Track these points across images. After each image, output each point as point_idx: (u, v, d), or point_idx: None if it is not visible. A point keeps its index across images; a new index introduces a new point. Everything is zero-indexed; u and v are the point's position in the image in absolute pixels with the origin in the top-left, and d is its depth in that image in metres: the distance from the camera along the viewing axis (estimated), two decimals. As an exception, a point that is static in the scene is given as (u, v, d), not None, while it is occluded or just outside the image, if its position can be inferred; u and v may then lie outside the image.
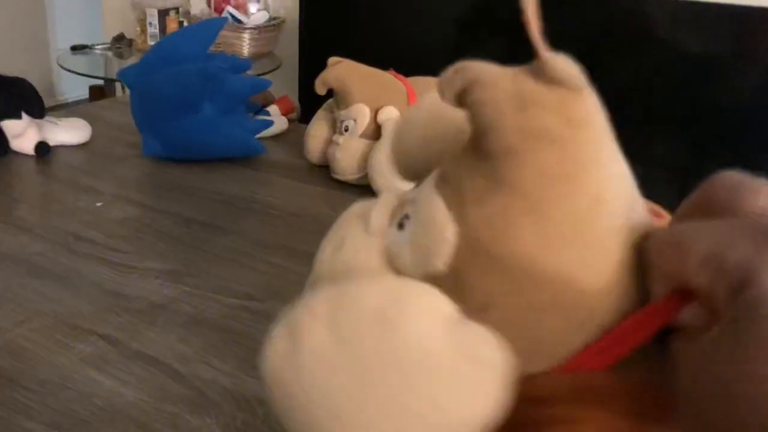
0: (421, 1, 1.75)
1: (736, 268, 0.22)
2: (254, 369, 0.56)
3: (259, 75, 2.08)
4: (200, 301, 0.65)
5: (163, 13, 2.12)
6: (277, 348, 0.26)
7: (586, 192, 0.25)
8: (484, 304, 0.26)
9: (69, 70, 2.02)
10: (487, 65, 0.27)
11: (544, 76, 0.25)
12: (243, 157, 1.02)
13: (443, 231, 0.27)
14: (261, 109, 1.16)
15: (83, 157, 0.99)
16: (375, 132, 0.91)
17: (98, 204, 0.84)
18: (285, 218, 0.85)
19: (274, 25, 2.18)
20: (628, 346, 0.25)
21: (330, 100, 0.99)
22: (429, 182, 0.30)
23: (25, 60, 3.10)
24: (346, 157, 0.93)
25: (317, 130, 0.99)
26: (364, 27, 1.88)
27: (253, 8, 2.15)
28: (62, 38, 3.11)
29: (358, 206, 0.35)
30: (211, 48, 2.02)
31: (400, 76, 0.96)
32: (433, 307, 0.25)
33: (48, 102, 1.04)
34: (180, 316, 0.62)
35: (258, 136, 1.10)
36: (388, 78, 0.94)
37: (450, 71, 0.27)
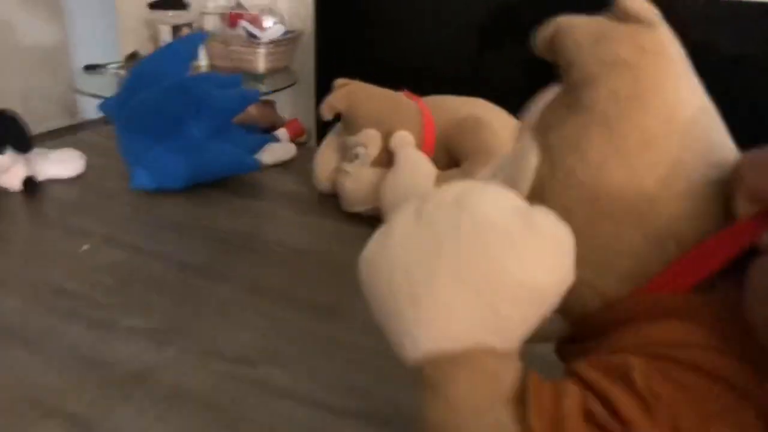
0: (441, 11, 1.67)
1: None
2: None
3: (275, 91, 2.01)
4: (185, 369, 0.57)
5: (176, 30, 2.06)
6: (372, 243, 0.30)
7: (656, 113, 0.27)
8: (564, 215, 0.28)
9: (80, 92, 1.97)
10: (572, 16, 0.30)
11: (622, 14, 0.28)
12: (238, 175, 0.94)
13: (527, 155, 0.31)
14: (269, 134, 1.08)
15: (74, 193, 0.92)
16: (387, 159, 0.83)
17: (84, 248, 0.76)
18: (288, 258, 0.76)
19: (289, 39, 2.11)
20: (709, 266, 0.26)
21: (339, 124, 0.90)
22: (523, 128, 0.34)
23: (45, 79, 3.08)
24: (356, 188, 0.84)
25: (326, 156, 0.91)
26: (382, 37, 1.80)
27: (268, 22, 2.08)
28: (82, 57, 3.08)
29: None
30: (227, 65, 1.96)
31: (415, 96, 0.88)
32: (504, 196, 0.27)
33: (68, 121, 0.98)
34: (161, 388, 0.54)
35: (265, 162, 1.02)
36: (401, 99, 0.86)
37: (541, 26, 0.31)
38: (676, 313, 0.26)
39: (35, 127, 1.16)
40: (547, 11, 0.34)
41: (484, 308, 0.25)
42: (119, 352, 0.58)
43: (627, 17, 0.28)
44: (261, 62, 2.07)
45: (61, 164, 0.94)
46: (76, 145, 1.00)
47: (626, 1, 0.28)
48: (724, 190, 0.27)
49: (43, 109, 2.95)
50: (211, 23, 2.10)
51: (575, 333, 0.32)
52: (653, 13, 0.29)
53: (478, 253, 0.25)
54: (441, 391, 0.27)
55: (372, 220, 0.84)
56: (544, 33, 0.31)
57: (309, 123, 1.65)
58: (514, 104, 0.94)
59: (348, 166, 0.85)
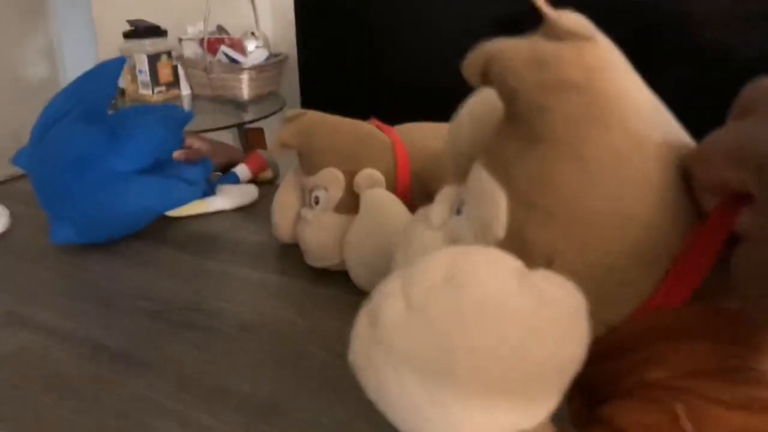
0: (431, 28, 1.53)
1: (756, 153, 0.22)
2: None
3: (262, 118, 1.88)
4: None
5: (153, 59, 1.93)
6: (359, 332, 0.27)
7: (617, 129, 0.26)
8: (549, 256, 0.28)
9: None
10: (502, 40, 0.29)
11: (556, 33, 0.27)
12: (184, 223, 0.80)
13: (493, 197, 0.30)
14: (228, 172, 0.94)
15: (-10, 257, 0.78)
16: (353, 203, 0.68)
17: (-18, 331, 0.62)
18: (232, 337, 0.62)
19: (274, 63, 1.98)
20: (698, 275, 0.26)
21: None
22: (476, 164, 0.32)
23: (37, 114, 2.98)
24: (319, 238, 0.70)
25: (286, 199, 0.76)
26: (370, 58, 1.66)
27: (251, 46, 1.95)
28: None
29: (421, 210, 0.38)
30: (209, 93, 1.82)
31: (386, 127, 0.73)
32: (500, 262, 0.26)
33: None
34: None
35: (222, 208, 0.88)
36: (367, 130, 0.71)
37: (470, 55, 0.30)
38: (678, 331, 0.26)
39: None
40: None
41: (514, 396, 0.24)
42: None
43: (563, 35, 0.27)
44: (245, 88, 1.94)
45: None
46: (13, 193, 0.86)
47: (560, 20, 0.27)
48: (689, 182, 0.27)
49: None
50: (190, 50, 1.98)
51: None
52: (587, 26, 0.27)
53: (494, 341, 0.24)
54: None
55: (341, 276, 0.69)
56: (473, 62, 0.29)
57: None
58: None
59: (308, 213, 0.70)
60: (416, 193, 0.69)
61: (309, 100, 1.76)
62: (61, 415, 0.51)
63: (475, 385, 0.23)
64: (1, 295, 0.69)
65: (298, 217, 0.74)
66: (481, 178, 0.31)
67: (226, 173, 0.93)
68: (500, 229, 0.29)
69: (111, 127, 0.71)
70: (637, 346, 0.27)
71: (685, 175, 0.27)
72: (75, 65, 3.24)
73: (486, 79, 0.29)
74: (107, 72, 0.77)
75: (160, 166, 0.77)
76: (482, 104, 0.36)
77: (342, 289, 0.68)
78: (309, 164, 0.70)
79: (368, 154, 0.69)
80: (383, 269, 0.64)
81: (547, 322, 0.24)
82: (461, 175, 0.35)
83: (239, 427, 0.49)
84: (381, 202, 0.65)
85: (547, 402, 0.25)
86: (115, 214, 0.75)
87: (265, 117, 1.88)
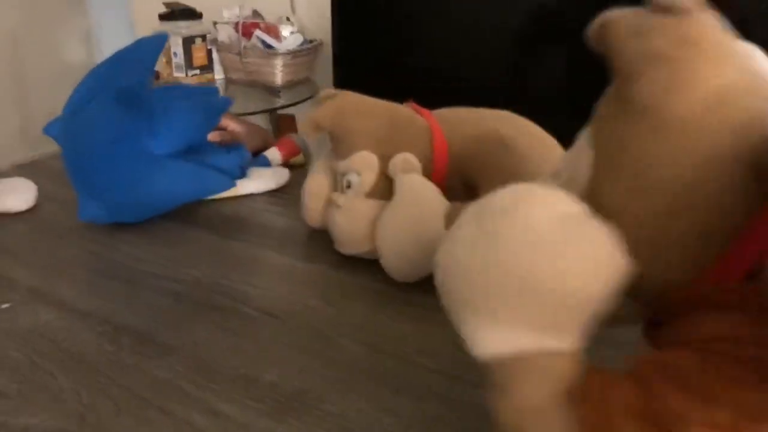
0: (470, 15, 1.49)
1: None
2: None
3: (294, 104, 1.85)
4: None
5: (188, 41, 1.92)
6: (442, 246, 0.31)
7: (698, 102, 0.27)
8: (617, 211, 0.30)
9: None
10: (617, 10, 0.31)
11: (657, 6, 0.29)
12: (215, 204, 0.78)
13: (583, 150, 0.33)
14: (259, 155, 0.91)
15: (16, 231, 0.76)
16: (387, 189, 0.65)
17: (2, 307, 0.61)
18: (257, 321, 0.59)
19: (308, 49, 1.95)
20: (752, 258, 0.27)
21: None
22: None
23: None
24: (350, 225, 0.67)
25: (317, 185, 0.73)
26: (406, 46, 1.62)
27: (285, 31, 1.93)
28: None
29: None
30: (243, 77, 1.80)
31: (424, 110, 0.70)
32: (553, 201, 0.29)
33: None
34: None
35: (252, 191, 0.85)
36: (403, 113, 0.68)
37: (593, 21, 0.32)
38: (728, 304, 0.27)
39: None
40: (589, 12, 0.34)
41: (532, 313, 0.27)
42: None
43: (664, 9, 0.29)
44: (278, 74, 1.92)
45: (5, 197, 0.79)
46: (43, 170, 0.85)
47: None
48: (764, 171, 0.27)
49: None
50: (225, 34, 1.97)
51: (650, 318, 0.33)
52: (690, 2, 0.29)
53: (522, 261, 0.27)
54: (506, 392, 0.29)
55: (371, 266, 0.66)
56: (593, 26, 0.32)
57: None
58: (554, 117, 0.77)
59: (339, 198, 0.68)
60: (453, 179, 0.66)
61: (342, 88, 1.73)
62: (79, 397, 0.49)
63: (501, 295, 0.27)
64: (24, 271, 0.67)
65: (329, 202, 0.72)
66: (582, 135, 0.34)
67: (257, 156, 0.91)
68: (582, 180, 0.32)
69: (148, 108, 0.69)
70: (694, 312, 0.29)
71: (762, 160, 0.27)
72: (112, 49, 3.27)
73: (600, 41, 0.32)
74: (147, 48, 0.75)
75: (194, 149, 0.74)
76: None
77: (370, 278, 0.66)
78: (342, 147, 0.67)
79: (404, 137, 0.66)
80: (418, 259, 0.61)
81: (566, 256, 0.27)
82: None
83: (261, 418, 0.47)
84: (417, 188, 0.62)
85: (568, 328, 0.28)
86: (145, 198, 0.73)
87: (298, 103, 1.86)
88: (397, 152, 0.65)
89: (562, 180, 0.35)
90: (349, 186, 0.67)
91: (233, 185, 0.78)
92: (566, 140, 0.78)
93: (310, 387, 0.50)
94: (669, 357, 0.28)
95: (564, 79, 1.37)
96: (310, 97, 1.91)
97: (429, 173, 0.65)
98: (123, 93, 0.66)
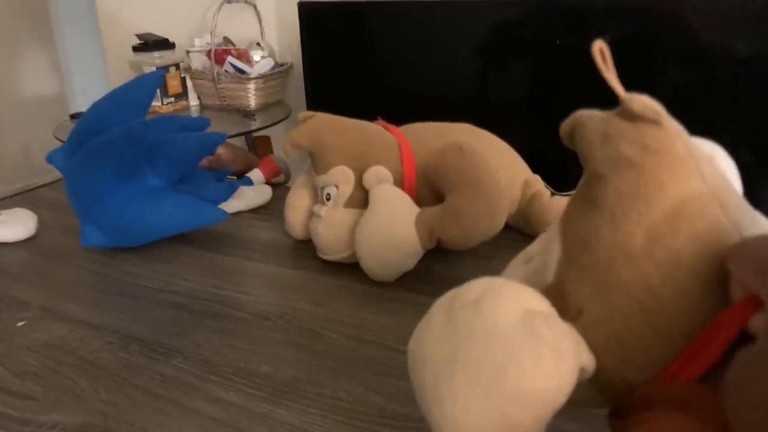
0: (437, 34, 1.57)
1: None
2: None
3: (269, 126, 1.92)
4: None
5: (162, 71, 1.99)
6: (415, 334, 0.31)
7: (661, 209, 0.29)
8: (579, 309, 0.31)
9: (63, 141, 1.89)
10: (588, 112, 0.33)
11: (625, 113, 0.30)
12: (201, 229, 0.84)
13: (552, 245, 0.34)
14: (242, 177, 0.98)
15: (21, 257, 0.82)
16: (363, 199, 0.72)
17: (19, 324, 0.67)
18: (252, 323, 0.66)
19: (279, 72, 2.03)
20: (712, 354, 0.27)
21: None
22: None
23: (44, 131, 3.03)
24: (331, 233, 0.74)
25: (298, 199, 0.81)
26: (375, 66, 1.70)
27: (257, 56, 2.00)
28: (79, 106, 3.03)
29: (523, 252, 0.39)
30: (217, 103, 1.85)
31: (391, 127, 0.77)
32: (518, 299, 0.29)
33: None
34: None
35: (238, 209, 0.92)
36: (374, 130, 0.76)
37: (566, 119, 0.33)
38: (686, 404, 0.28)
39: (38, 179, 1.08)
40: (550, 28, 0.36)
41: (495, 412, 0.27)
42: (31, 461, 0.48)
43: (632, 116, 0.29)
44: (252, 98, 1.99)
45: (8, 227, 0.85)
46: (39, 200, 0.91)
47: (630, 102, 0.29)
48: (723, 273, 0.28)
49: (41, 160, 2.89)
50: (198, 61, 2.03)
51: (614, 408, 0.33)
52: (657, 111, 0.29)
53: (486, 360, 0.27)
54: None
55: (352, 269, 0.73)
56: (565, 126, 0.33)
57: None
58: (516, 129, 0.85)
59: (320, 210, 0.75)
60: (421, 187, 0.74)
61: (314, 108, 1.80)
62: (98, 395, 0.55)
63: (465, 393, 0.27)
64: (34, 292, 0.73)
65: (310, 215, 0.79)
66: (553, 228, 0.35)
67: (241, 177, 0.98)
68: (550, 275, 0.33)
69: (149, 143, 0.76)
70: (642, 408, 0.29)
71: (723, 265, 0.28)
72: (83, 80, 3.30)
73: (571, 141, 0.33)
74: (147, 83, 0.82)
75: (186, 177, 0.81)
76: None
77: (353, 280, 0.73)
78: (320, 163, 0.74)
79: (376, 152, 0.73)
80: (393, 260, 0.69)
81: (530, 355, 0.27)
82: None
83: (263, 402, 0.54)
84: (390, 197, 0.70)
85: (529, 427, 0.28)
86: (145, 228, 0.79)
87: (272, 125, 1.93)
88: (369, 166, 0.72)
89: (534, 266, 0.36)
90: (328, 198, 0.74)
91: (227, 217, 0.83)
92: (528, 149, 0.86)
93: (303, 375, 0.57)
94: None
95: (525, 93, 1.45)
96: (284, 119, 1.98)
97: (400, 183, 0.73)
98: (128, 131, 0.73)
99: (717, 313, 0.28)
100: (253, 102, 2.00)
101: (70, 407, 0.54)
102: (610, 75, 0.30)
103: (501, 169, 0.72)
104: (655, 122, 0.29)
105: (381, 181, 0.71)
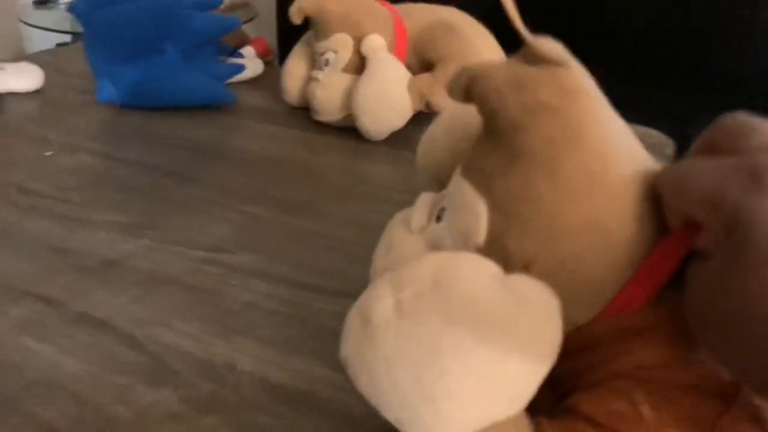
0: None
1: (728, 209, 0.24)
2: (225, 331, 0.47)
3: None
4: (161, 255, 0.56)
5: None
6: (351, 331, 0.28)
7: (590, 150, 0.28)
8: (526, 262, 0.29)
9: (32, 25, 1.88)
10: (484, 62, 0.31)
11: (533, 57, 0.29)
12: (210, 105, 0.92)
13: (475, 208, 0.31)
14: (234, 51, 1.05)
15: (33, 105, 0.88)
16: (359, 65, 0.81)
17: (47, 153, 0.74)
18: (259, 164, 0.75)
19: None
20: (657, 281, 0.28)
21: (308, 33, 0.88)
22: (456, 174, 0.33)
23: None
24: (328, 95, 0.83)
25: (295, 66, 0.89)
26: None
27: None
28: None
29: (400, 214, 0.38)
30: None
31: (386, 3, 0.86)
32: (481, 267, 0.28)
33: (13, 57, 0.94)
34: (136, 273, 0.53)
35: (231, 80, 0.99)
36: (371, 3, 0.84)
37: (455, 74, 0.32)
38: (636, 331, 0.29)
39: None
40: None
41: (494, 391, 0.26)
42: (91, 243, 0.57)
43: (539, 60, 0.28)
44: (221, -3, 2.01)
45: (18, 77, 0.90)
46: (37, 62, 0.96)
47: (537, 46, 0.28)
48: (657, 202, 0.29)
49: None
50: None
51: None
52: (563, 53, 0.28)
53: (477, 340, 0.25)
54: None
55: (342, 130, 0.83)
56: (456, 82, 0.31)
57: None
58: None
59: (319, 74, 0.83)
60: (411, 58, 0.83)
61: (285, 7, 1.85)
62: (136, 204, 0.64)
63: (461, 382, 0.25)
64: (55, 132, 0.80)
65: (305, 83, 0.87)
66: (463, 190, 0.32)
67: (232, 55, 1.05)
68: (480, 237, 0.31)
69: (171, 18, 0.82)
70: (601, 344, 0.29)
71: (653, 194, 0.29)
72: None
73: (468, 97, 0.31)
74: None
75: (201, 52, 0.89)
76: (454, 118, 0.39)
77: (343, 136, 0.82)
78: (321, 30, 0.82)
79: (373, 23, 0.82)
80: (387, 118, 0.78)
81: (525, 323, 0.26)
82: (436, 185, 0.39)
83: (284, 216, 0.64)
84: (385, 62, 0.79)
85: (526, 394, 0.27)
86: (157, 94, 0.86)
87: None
88: (366, 34, 0.81)
89: (439, 233, 0.34)
90: (327, 63, 0.83)
91: (234, 101, 0.90)
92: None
93: (314, 198, 0.67)
94: (617, 396, 0.28)
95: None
96: (249, 20, 2.02)
97: (392, 53, 0.82)
98: (156, 6, 0.79)
99: (657, 239, 0.29)
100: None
101: (114, 211, 0.63)
102: (515, 16, 0.29)
103: (482, 47, 0.82)
104: (565, 64, 0.28)
105: (378, 48, 0.80)
